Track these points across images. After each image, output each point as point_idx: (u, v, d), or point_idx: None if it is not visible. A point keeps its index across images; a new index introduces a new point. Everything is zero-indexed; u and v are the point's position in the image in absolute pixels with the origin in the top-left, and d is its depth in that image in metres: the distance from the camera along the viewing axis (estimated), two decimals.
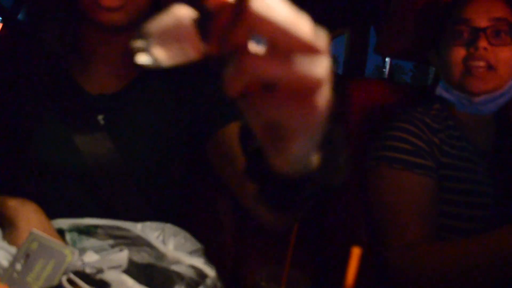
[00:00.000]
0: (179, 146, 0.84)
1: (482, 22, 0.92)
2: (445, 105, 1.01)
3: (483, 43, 0.91)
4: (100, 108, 0.81)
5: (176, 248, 0.73)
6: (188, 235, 0.77)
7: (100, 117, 0.80)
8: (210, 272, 0.70)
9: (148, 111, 0.82)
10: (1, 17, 2.08)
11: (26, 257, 0.63)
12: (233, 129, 0.77)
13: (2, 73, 0.81)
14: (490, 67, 0.92)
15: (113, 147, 0.78)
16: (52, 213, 0.74)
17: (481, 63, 0.92)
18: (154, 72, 0.83)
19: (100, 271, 0.64)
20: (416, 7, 1.07)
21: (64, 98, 0.80)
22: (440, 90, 1.01)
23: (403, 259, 0.88)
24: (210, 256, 0.79)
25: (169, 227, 0.76)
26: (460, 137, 0.97)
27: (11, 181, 0.79)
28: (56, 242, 0.65)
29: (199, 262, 0.71)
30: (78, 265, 0.64)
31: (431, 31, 1.03)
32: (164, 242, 0.73)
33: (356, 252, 0.39)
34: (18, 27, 1.08)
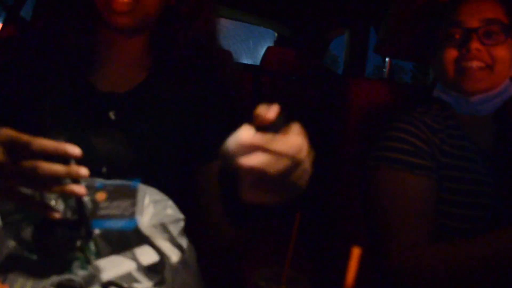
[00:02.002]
0: (185, 144, 0.87)
1: (473, 23, 0.93)
2: (446, 104, 1.01)
3: (475, 44, 0.91)
4: (111, 105, 0.84)
5: (153, 216, 0.70)
6: (171, 204, 0.73)
7: (111, 113, 0.84)
8: (174, 255, 0.67)
9: (157, 110, 0.86)
10: (5, 14, 2.08)
11: None
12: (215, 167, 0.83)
13: (16, 72, 0.84)
14: (487, 66, 0.92)
15: (123, 141, 0.82)
16: None
17: (475, 63, 0.92)
18: (163, 75, 0.87)
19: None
20: (415, 7, 1.07)
21: (77, 95, 0.83)
22: (437, 92, 1.01)
23: (402, 260, 0.88)
24: (210, 255, 0.79)
25: (153, 193, 0.73)
26: (461, 136, 0.97)
27: None
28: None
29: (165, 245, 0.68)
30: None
31: (428, 32, 1.03)
32: (142, 207, 0.69)
33: (356, 252, 0.40)
34: (27, 27, 1.09)
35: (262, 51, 2.55)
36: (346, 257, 0.40)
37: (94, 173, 0.80)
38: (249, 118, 1.03)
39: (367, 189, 1.00)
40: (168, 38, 0.85)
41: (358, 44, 2.47)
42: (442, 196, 0.93)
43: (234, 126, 0.90)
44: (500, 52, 0.92)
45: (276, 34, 3.23)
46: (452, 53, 0.95)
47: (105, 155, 0.81)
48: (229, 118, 0.91)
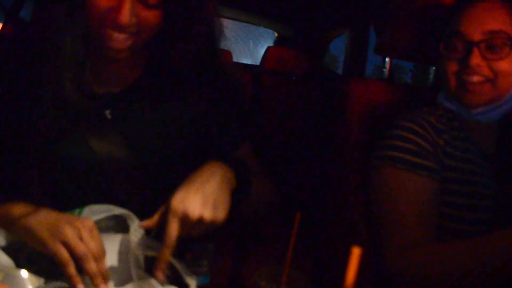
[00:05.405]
0: (182, 141, 0.87)
1: (475, 36, 0.89)
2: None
3: (475, 59, 0.88)
4: (107, 105, 0.85)
5: None
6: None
7: (107, 112, 0.85)
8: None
9: (152, 107, 0.86)
10: (4, 15, 2.09)
11: None
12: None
13: (9, 71, 0.83)
14: (488, 80, 0.89)
15: (119, 140, 0.83)
16: (66, 202, 0.81)
17: (475, 78, 0.89)
18: (158, 72, 0.87)
19: None
20: (416, 8, 1.07)
21: (72, 96, 0.82)
22: (441, 99, 1.00)
23: (399, 260, 0.88)
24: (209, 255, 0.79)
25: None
26: (464, 138, 0.97)
27: (29, 174, 0.82)
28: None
29: None
30: None
31: (431, 36, 1.02)
32: None
33: (356, 252, 0.40)
34: (25, 28, 1.09)
35: (262, 51, 2.55)
36: (346, 257, 0.40)
37: (92, 172, 0.82)
38: (249, 116, 1.04)
39: (369, 187, 1.00)
40: (165, 40, 0.83)
41: (358, 44, 2.47)
42: (444, 198, 0.93)
43: (237, 122, 0.91)
44: (503, 65, 0.89)
45: (276, 34, 3.23)
46: (453, 67, 0.92)
47: (102, 155, 0.82)
48: (230, 115, 0.91)
